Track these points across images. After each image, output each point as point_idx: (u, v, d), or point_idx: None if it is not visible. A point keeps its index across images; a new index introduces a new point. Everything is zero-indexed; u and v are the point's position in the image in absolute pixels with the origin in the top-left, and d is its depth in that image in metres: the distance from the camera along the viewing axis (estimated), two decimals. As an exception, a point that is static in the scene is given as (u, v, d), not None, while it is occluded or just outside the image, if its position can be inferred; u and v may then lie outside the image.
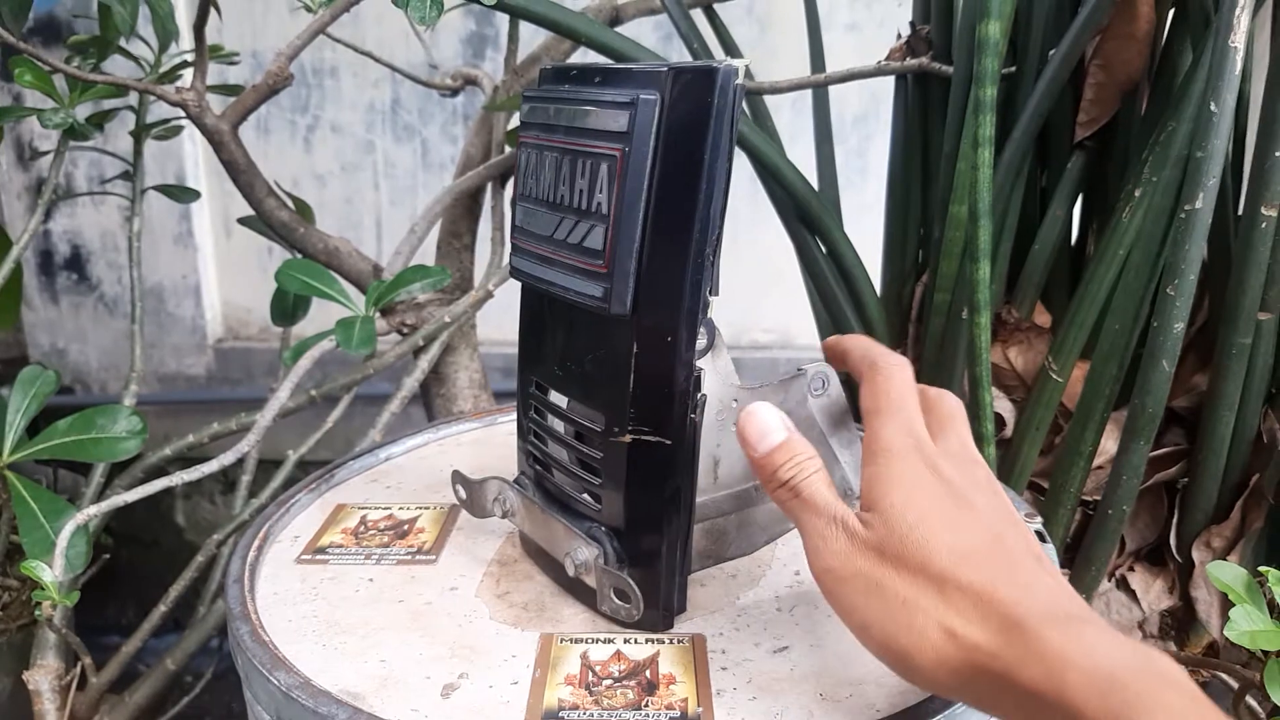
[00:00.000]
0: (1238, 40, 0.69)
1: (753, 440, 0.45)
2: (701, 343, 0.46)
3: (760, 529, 0.53)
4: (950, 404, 0.46)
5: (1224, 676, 0.76)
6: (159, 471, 0.89)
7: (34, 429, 0.81)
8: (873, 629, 0.40)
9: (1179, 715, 0.32)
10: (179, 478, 0.74)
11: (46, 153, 1.01)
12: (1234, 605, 0.63)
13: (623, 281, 0.45)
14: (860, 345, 0.49)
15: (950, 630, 0.38)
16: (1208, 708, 0.33)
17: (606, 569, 0.49)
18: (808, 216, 0.93)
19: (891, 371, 0.46)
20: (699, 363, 0.47)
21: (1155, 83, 0.86)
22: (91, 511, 0.72)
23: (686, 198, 0.44)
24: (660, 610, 0.49)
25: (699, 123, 0.43)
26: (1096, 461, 0.82)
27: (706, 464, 0.49)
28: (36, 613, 0.72)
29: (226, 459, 0.75)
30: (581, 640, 0.49)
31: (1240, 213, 0.82)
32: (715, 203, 0.44)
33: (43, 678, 0.87)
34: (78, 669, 0.90)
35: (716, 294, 0.46)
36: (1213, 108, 0.70)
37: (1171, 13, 0.84)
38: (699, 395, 0.47)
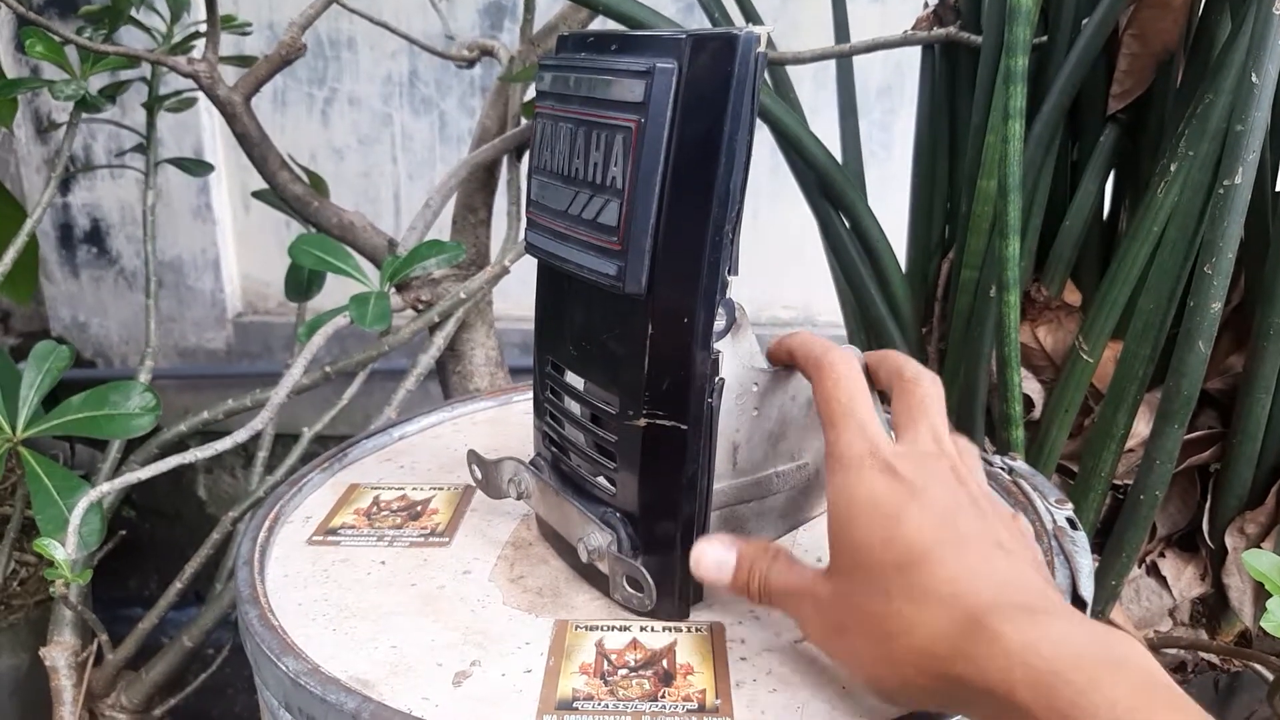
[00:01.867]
0: (1283, 8, 0.66)
1: (713, 578, 0.45)
2: (720, 324, 0.45)
3: (779, 516, 0.52)
4: (924, 389, 0.44)
5: (1257, 667, 0.74)
6: (175, 447, 0.89)
7: (53, 403, 0.81)
8: (860, 668, 0.40)
9: (1124, 707, 0.31)
10: (193, 454, 0.73)
11: (62, 125, 1.00)
12: (1268, 594, 0.61)
13: (638, 259, 0.43)
14: (802, 344, 0.47)
15: (909, 644, 0.37)
16: (1159, 694, 0.32)
17: (619, 556, 0.48)
18: (831, 191, 0.91)
19: (838, 372, 0.44)
20: (718, 345, 0.45)
21: (1192, 53, 0.83)
22: (105, 489, 0.72)
23: (705, 172, 0.42)
24: (675, 599, 0.48)
25: (719, 93, 0.41)
26: (1128, 444, 0.80)
27: (725, 450, 0.48)
28: (51, 590, 0.72)
29: (240, 436, 0.74)
30: (597, 627, 0.48)
31: (1279, 188, 0.80)
32: (735, 177, 0.42)
33: (59, 654, 0.87)
34: (94, 645, 0.90)
35: (736, 273, 0.44)
36: (1254, 79, 0.67)
37: (1210, -20, 0.81)
38: (716, 379, 0.45)
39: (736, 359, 0.46)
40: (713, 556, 0.45)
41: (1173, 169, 0.75)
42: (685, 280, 0.43)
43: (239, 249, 1.82)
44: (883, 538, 0.39)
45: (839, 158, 0.96)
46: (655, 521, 0.47)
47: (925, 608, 0.37)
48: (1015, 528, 0.42)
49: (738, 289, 0.45)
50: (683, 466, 0.46)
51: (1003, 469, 0.61)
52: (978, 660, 0.35)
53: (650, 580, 0.47)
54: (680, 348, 0.44)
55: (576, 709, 0.42)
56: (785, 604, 0.43)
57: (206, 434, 0.89)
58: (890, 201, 1.00)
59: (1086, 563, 0.51)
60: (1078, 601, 0.49)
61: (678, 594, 0.48)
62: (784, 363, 0.48)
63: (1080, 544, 0.53)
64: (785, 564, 0.44)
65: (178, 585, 0.90)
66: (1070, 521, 0.55)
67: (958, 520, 0.39)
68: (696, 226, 0.42)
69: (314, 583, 0.52)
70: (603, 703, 0.43)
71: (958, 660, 0.35)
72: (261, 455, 1.05)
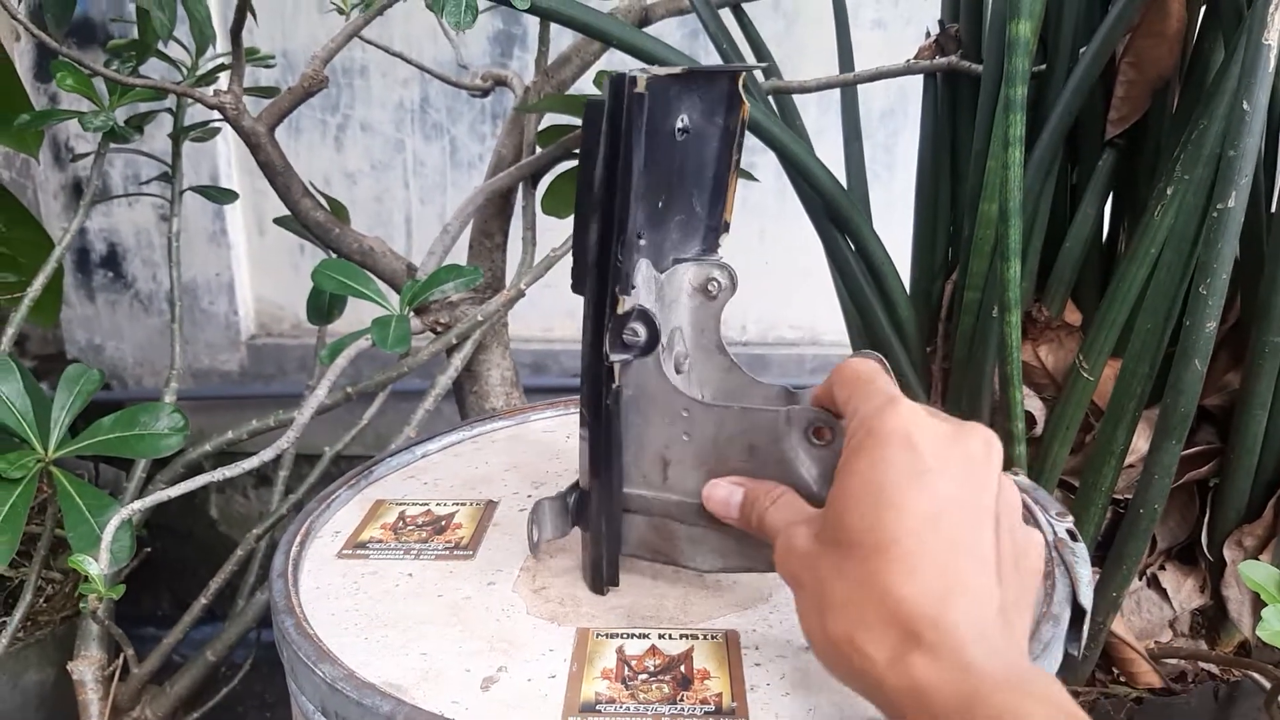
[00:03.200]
0: (1271, 37, 0.69)
1: (721, 513, 0.49)
2: (637, 339, 0.50)
3: (716, 554, 0.52)
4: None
5: (1256, 676, 0.76)
6: (199, 467, 0.91)
7: (74, 425, 0.83)
8: (802, 621, 0.42)
9: None
10: (220, 473, 0.76)
11: (85, 155, 1.02)
12: (1266, 604, 0.63)
13: (580, 267, 0.50)
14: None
15: (836, 624, 0.39)
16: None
17: (537, 506, 0.55)
18: (838, 216, 0.94)
19: (852, 360, 0.46)
20: (631, 357, 0.50)
21: (1186, 80, 0.86)
22: (135, 507, 0.74)
23: (597, 194, 0.48)
24: (588, 573, 0.54)
25: (600, 126, 0.47)
26: (1127, 460, 0.82)
27: (652, 461, 0.52)
28: (81, 605, 0.74)
29: (267, 455, 0.77)
30: (617, 635, 0.50)
31: (1273, 210, 0.82)
32: (616, 201, 0.48)
33: (86, 668, 0.89)
34: (120, 660, 0.92)
35: (626, 293, 0.49)
36: (1245, 106, 0.70)
37: (1203, 10, 0.84)
38: (613, 386, 0.50)
39: (660, 380, 0.50)
40: (720, 493, 0.49)
41: (1169, 192, 0.78)
42: (589, 290, 0.50)
43: (253, 272, 1.84)
44: (867, 523, 0.38)
45: (844, 182, 0.99)
46: (580, 494, 0.54)
47: (863, 600, 0.38)
48: (1013, 541, 0.40)
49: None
50: (591, 456, 0.52)
51: (1005, 483, 0.63)
52: (882, 677, 0.37)
53: (533, 529, 0.55)
54: (588, 348, 0.51)
55: (600, 711, 0.44)
56: (773, 539, 0.45)
57: (227, 455, 0.91)
58: (894, 223, 1.02)
59: (1086, 573, 0.53)
60: (1078, 610, 0.51)
61: (590, 566, 0.54)
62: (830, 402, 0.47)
63: (1080, 555, 0.55)
64: (784, 504, 0.46)
65: (203, 601, 0.92)
66: (1070, 533, 0.57)
67: (941, 523, 0.38)
68: (593, 243, 0.49)
69: (345, 594, 0.54)
70: (624, 705, 0.45)
71: (875, 669, 0.37)
72: (282, 475, 1.07)
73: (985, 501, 0.39)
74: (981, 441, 0.41)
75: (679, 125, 0.50)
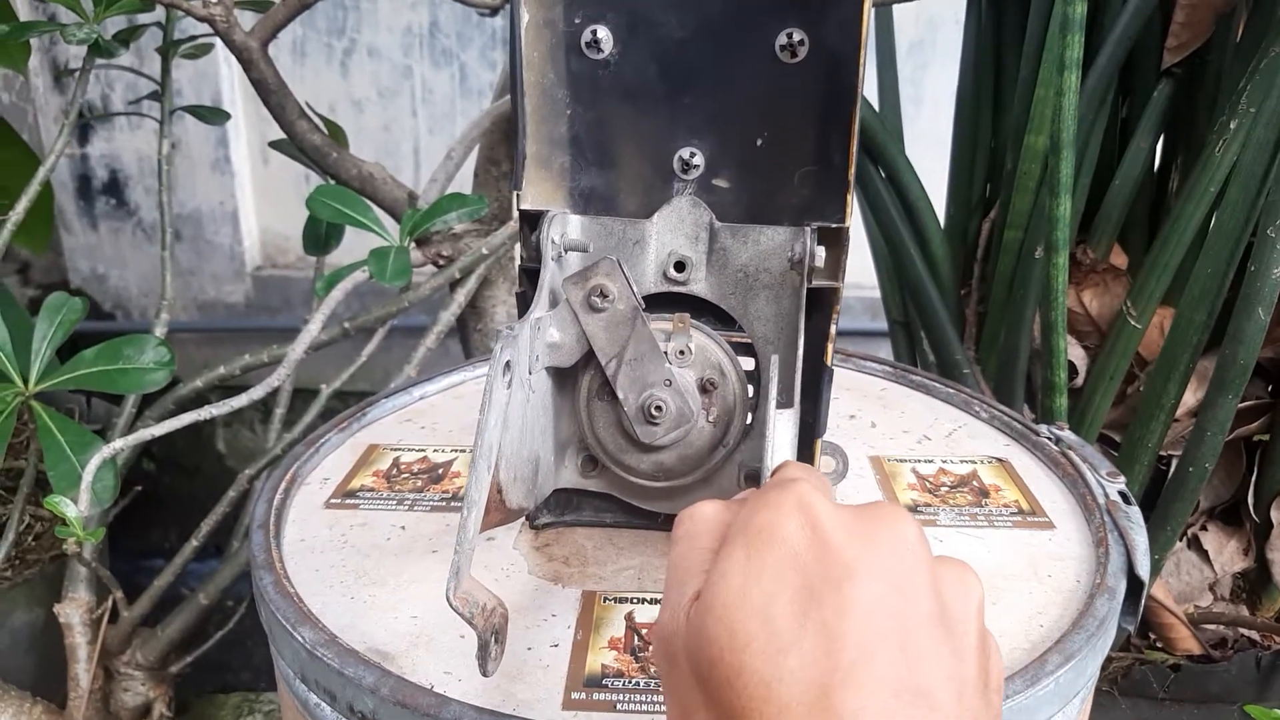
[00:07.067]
0: (1361, -47, 0.62)
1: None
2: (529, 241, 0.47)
3: None
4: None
5: (1307, 647, 0.72)
6: (191, 402, 0.87)
7: (73, 355, 0.79)
8: None
9: None
10: (209, 411, 0.72)
11: (76, 70, 0.97)
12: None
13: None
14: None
15: None
16: None
17: None
18: (871, 145, 0.88)
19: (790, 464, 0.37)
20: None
21: (1255, 4, 0.79)
22: (119, 445, 0.70)
23: None
24: None
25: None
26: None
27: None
28: (65, 547, 0.70)
29: (256, 392, 0.73)
30: (626, 599, 0.46)
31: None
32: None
33: (74, 611, 0.86)
34: (109, 602, 0.89)
35: (517, 189, 0.48)
36: (1327, 30, 0.64)
37: (1278, -74, 0.77)
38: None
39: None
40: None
41: (1232, 126, 0.72)
42: None
43: (258, 202, 1.79)
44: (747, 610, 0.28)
45: (875, 110, 0.92)
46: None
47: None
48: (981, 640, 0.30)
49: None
50: None
51: (1049, 439, 0.58)
52: None
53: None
54: None
55: (606, 685, 0.40)
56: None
57: (224, 389, 0.87)
58: (920, 159, 0.96)
59: (1142, 539, 0.48)
60: (1134, 582, 0.46)
61: None
62: None
63: (1135, 520, 0.50)
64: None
65: (193, 543, 0.89)
66: (1123, 495, 0.52)
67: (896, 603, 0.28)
68: None
69: (331, 548, 0.50)
70: (633, 680, 0.41)
71: None
72: (279, 412, 1.03)
73: (924, 588, 0.29)
74: (906, 518, 0.31)
75: (780, 43, 0.42)
